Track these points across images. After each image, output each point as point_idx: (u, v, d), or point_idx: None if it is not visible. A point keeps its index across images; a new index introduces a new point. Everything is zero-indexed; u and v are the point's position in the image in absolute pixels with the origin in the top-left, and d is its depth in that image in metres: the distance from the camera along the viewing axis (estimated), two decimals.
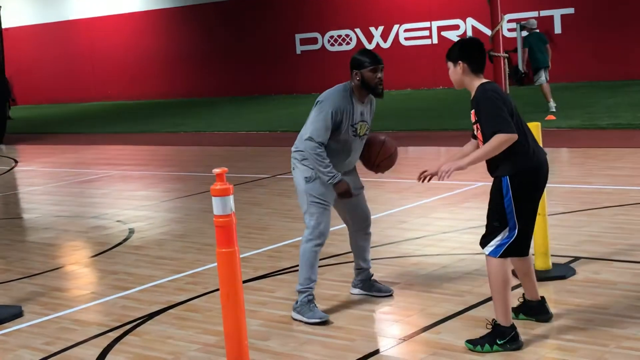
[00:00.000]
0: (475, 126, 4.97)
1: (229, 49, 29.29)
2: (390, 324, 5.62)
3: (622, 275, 6.09)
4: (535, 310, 5.20)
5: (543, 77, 16.71)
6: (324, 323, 5.55)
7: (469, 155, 4.96)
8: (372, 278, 6.16)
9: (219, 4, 29.61)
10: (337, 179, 5.54)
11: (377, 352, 5.05)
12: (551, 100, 16.48)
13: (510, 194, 4.81)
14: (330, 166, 5.53)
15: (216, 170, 4.18)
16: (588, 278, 6.10)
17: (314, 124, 5.62)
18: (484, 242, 4.95)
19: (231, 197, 4.19)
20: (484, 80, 4.96)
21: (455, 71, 4.98)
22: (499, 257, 4.84)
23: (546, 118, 15.10)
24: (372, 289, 6.11)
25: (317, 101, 5.74)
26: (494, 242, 4.87)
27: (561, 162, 11.34)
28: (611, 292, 5.73)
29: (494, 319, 4.85)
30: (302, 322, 5.60)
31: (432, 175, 5.17)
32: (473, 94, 4.94)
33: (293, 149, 5.93)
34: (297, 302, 5.71)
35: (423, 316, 5.59)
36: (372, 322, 5.71)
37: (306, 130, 5.66)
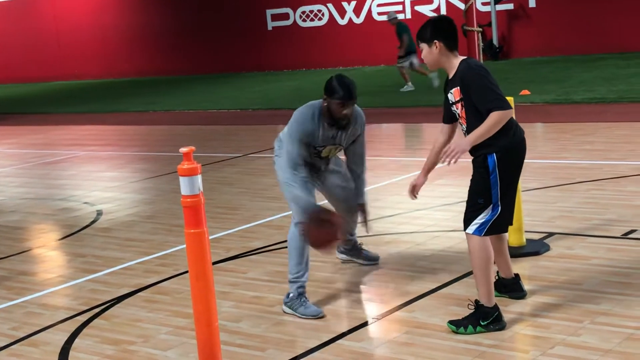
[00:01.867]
0: (456, 105, 4.92)
1: (199, 26, 29.09)
2: (364, 302, 5.66)
3: (596, 251, 6.14)
4: (510, 287, 5.22)
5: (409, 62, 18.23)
6: (319, 318, 5.39)
7: (469, 135, 4.81)
8: (360, 244, 6.23)
9: None
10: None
11: (351, 331, 5.07)
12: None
13: (496, 171, 4.80)
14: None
15: (183, 150, 4.15)
16: (562, 254, 6.15)
17: (287, 154, 5.59)
18: (466, 220, 4.93)
19: (199, 177, 4.16)
20: (463, 57, 4.93)
21: (431, 51, 4.92)
22: (483, 235, 4.85)
23: (520, 93, 15.17)
24: (359, 255, 6.19)
25: (291, 121, 5.66)
26: (477, 221, 4.86)
27: (535, 138, 11.34)
28: (585, 268, 5.78)
29: (476, 299, 4.84)
30: (295, 316, 5.45)
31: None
32: (452, 72, 4.91)
33: (281, 134, 5.84)
34: (287, 295, 5.53)
35: (397, 295, 5.62)
36: (345, 301, 5.71)
37: (285, 147, 5.65)
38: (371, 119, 14.47)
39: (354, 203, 5.96)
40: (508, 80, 17.44)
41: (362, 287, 5.92)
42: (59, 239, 8.27)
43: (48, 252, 7.93)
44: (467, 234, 4.92)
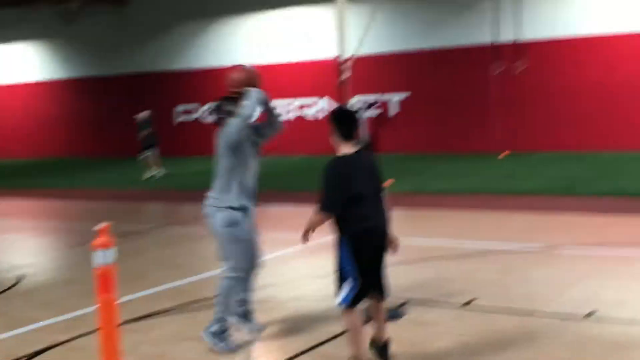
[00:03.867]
0: None
1: (116, 114, 28.79)
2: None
3: (442, 317, 6.26)
4: (378, 351, 5.17)
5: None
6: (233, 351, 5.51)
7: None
8: (250, 312, 6.07)
9: (103, 78, 29.23)
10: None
11: None
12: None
13: (344, 252, 4.84)
14: None
15: (99, 226, 4.12)
16: (414, 319, 6.23)
17: None
18: (335, 292, 4.95)
19: (112, 250, 4.13)
20: (341, 153, 4.92)
21: (331, 136, 4.96)
22: (346, 306, 4.85)
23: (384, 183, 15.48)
24: (246, 320, 6.02)
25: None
26: (341, 293, 4.87)
27: (397, 219, 11.51)
28: (433, 331, 5.89)
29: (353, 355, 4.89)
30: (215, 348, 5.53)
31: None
32: None
33: (213, 193, 5.77)
34: (208, 330, 5.62)
35: (279, 353, 5.60)
36: (231, 357, 5.62)
37: None
38: (267, 199, 14.45)
39: None
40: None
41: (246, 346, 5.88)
42: None
43: None
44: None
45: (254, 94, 5.52)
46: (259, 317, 6.45)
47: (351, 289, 4.84)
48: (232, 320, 6.12)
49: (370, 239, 4.95)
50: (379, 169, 5.10)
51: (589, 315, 6.13)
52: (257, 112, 5.59)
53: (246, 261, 5.69)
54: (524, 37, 21.15)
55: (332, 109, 5.24)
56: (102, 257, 4.10)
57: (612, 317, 6.05)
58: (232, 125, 5.52)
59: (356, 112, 5.13)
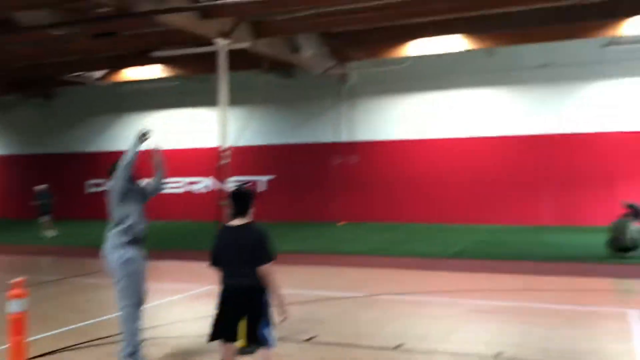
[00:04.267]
0: None
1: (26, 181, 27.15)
2: None
3: (290, 349, 6.16)
4: None
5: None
6: None
7: None
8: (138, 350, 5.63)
9: (32, 155, 27.65)
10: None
11: None
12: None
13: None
14: None
15: (14, 280, 3.82)
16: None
17: None
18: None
19: (24, 300, 3.82)
20: (229, 223, 4.71)
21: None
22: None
23: None
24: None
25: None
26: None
27: None
28: None
29: None
30: None
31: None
32: None
33: (111, 233, 5.45)
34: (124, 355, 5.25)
35: None
36: None
37: None
38: (159, 256, 13.87)
39: None
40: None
41: None
42: None
43: None
44: None
45: (133, 138, 5.39)
46: (148, 355, 6.12)
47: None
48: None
49: (222, 295, 4.77)
50: (253, 242, 4.71)
51: (398, 347, 6.24)
52: (137, 150, 5.37)
53: (137, 293, 5.41)
54: (356, 139, 21.97)
55: (232, 189, 4.86)
56: (16, 306, 3.78)
57: (416, 348, 6.17)
58: (118, 172, 5.36)
59: (248, 191, 4.82)
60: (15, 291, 3.78)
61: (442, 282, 10.12)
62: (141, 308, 5.54)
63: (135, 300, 5.43)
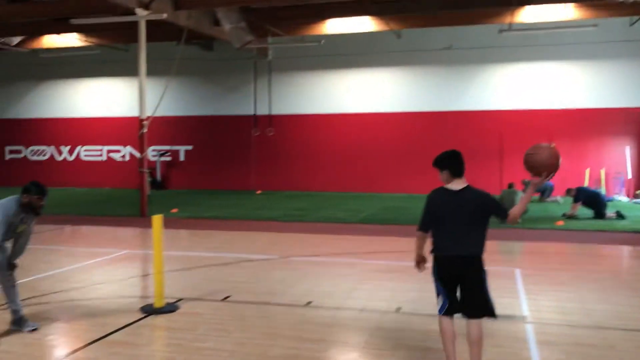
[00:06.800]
0: None
1: None
2: (49, 347, 5.03)
3: (207, 309, 6.14)
4: None
5: None
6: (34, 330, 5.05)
7: None
8: (23, 317, 5.39)
9: None
10: None
11: None
12: None
13: (435, 273, 4.13)
14: None
15: None
16: (187, 312, 6.06)
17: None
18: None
19: None
20: (447, 186, 4.11)
21: (441, 176, 4.12)
22: (440, 314, 4.13)
23: (171, 210, 15.04)
24: (23, 325, 5.34)
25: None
26: (438, 305, 4.15)
27: (179, 238, 11.23)
28: (200, 320, 5.74)
29: None
30: None
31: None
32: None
33: None
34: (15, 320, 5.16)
35: (76, 341, 5.12)
36: (35, 347, 5.03)
37: None
38: (70, 222, 13.31)
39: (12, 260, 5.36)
40: (165, 202, 17.23)
41: (52, 337, 5.27)
42: None
43: None
44: None
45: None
46: (59, 315, 5.90)
47: (441, 302, 4.12)
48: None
49: (440, 264, 4.11)
50: (484, 203, 4.05)
51: (308, 304, 6.33)
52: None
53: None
54: (273, 112, 21.81)
55: (444, 153, 4.13)
56: None
57: (324, 305, 6.28)
58: None
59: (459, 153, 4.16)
60: None
61: (349, 245, 10.32)
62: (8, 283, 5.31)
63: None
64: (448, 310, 4.08)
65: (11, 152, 25.18)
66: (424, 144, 20.32)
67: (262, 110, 21.92)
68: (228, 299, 6.55)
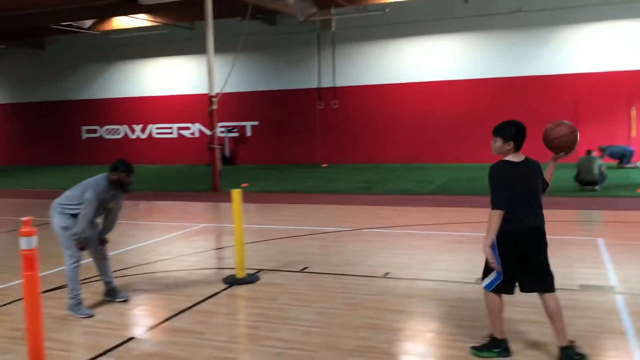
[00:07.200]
0: None
1: (40, 132, 26.75)
2: (141, 317, 5.28)
3: (286, 279, 6.28)
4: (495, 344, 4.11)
5: None
6: (90, 317, 5.14)
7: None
8: (115, 288, 5.66)
9: (24, 104, 26.99)
10: (80, 239, 5.20)
11: (132, 338, 4.69)
12: None
13: (496, 247, 3.91)
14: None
15: (24, 218, 3.75)
16: (267, 282, 6.20)
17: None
18: (482, 276, 4.08)
19: (35, 237, 3.77)
20: (513, 160, 3.96)
21: (503, 146, 3.95)
22: (490, 290, 4.03)
23: (242, 185, 15.36)
24: (115, 295, 5.63)
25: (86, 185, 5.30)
26: (486, 279, 4.05)
27: (251, 211, 11.46)
28: (282, 290, 5.88)
29: (491, 333, 4.11)
30: (76, 316, 5.16)
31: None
32: None
33: (60, 201, 5.34)
34: (69, 305, 5.25)
35: (164, 311, 5.35)
36: (129, 316, 5.31)
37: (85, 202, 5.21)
38: (149, 198, 13.79)
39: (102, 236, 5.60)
40: (235, 177, 17.59)
41: (141, 307, 5.53)
42: None
43: None
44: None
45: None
46: (148, 286, 6.17)
47: (495, 278, 3.98)
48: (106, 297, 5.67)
49: (516, 238, 3.91)
50: (540, 175, 4.05)
51: (386, 275, 6.34)
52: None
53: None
54: (338, 84, 21.70)
55: (510, 123, 3.97)
56: (27, 243, 3.73)
57: (400, 277, 6.28)
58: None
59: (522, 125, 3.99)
60: (25, 229, 3.71)
61: (420, 217, 10.24)
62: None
63: (76, 261, 5.36)
64: (499, 287, 3.97)
65: (87, 131, 26.33)
66: (493, 112, 19.74)
67: (326, 83, 21.85)
68: (306, 270, 6.65)
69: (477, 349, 4.10)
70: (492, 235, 3.87)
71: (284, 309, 5.24)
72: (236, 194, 6.19)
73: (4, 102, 27.82)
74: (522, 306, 4.94)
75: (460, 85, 20.46)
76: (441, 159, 20.65)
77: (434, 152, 20.83)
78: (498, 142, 3.97)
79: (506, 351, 4.04)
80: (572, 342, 3.94)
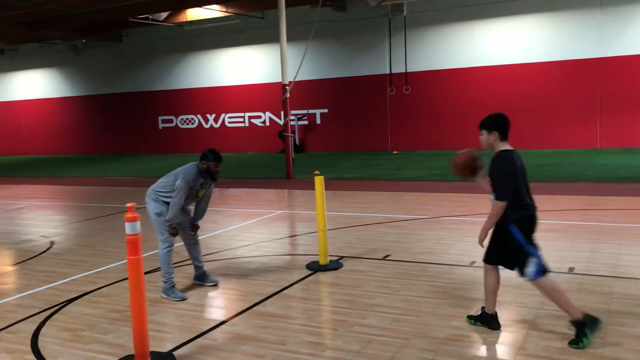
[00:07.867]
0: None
1: (115, 123, 27.94)
2: (232, 301, 5.42)
3: (369, 267, 6.27)
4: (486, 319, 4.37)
5: None
6: (183, 300, 5.31)
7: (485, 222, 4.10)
8: (205, 272, 5.85)
9: (103, 95, 28.19)
10: (172, 224, 5.39)
11: (223, 322, 4.81)
12: None
13: (520, 234, 4.03)
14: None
15: (128, 204, 3.92)
16: (350, 269, 6.22)
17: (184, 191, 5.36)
18: (521, 272, 4.10)
19: (138, 222, 3.93)
20: (503, 148, 4.10)
21: (489, 137, 4.10)
22: (539, 279, 4.07)
23: (314, 173, 15.42)
24: (205, 280, 5.82)
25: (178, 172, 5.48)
26: (528, 271, 4.06)
27: (326, 199, 11.46)
28: (364, 278, 5.89)
29: (574, 318, 4.04)
30: (169, 299, 5.34)
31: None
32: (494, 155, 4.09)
33: (154, 188, 5.55)
34: (163, 288, 5.45)
35: (253, 295, 5.48)
36: (220, 300, 5.47)
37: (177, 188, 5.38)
38: (226, 186, 14.12)
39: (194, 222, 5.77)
40: (306, 165, 17.72)
41: (231, 290, 5.67)
42: (23, 261, 7.46)
43: (16, 269, 7.14)
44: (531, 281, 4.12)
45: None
46: (234, 271, 6.31)
47: (535, 263, 4.05)
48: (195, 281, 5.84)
49: (534, 222, 4.12)
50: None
51: (472, 263, 6.22)
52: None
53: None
54: (409, 69, 21.38)
55: (492, 115, 4.10)
56: (131, 228, 3.90)
57: None
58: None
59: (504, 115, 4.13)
60: (130, 215, 3.88)
61: None
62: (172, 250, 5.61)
63: (169, 246, 5.55)
64: (542, 270, 4.04)
65: (163, 121, 27.20)
66: (577, 96, 18.92)
67: (398, 69, 21.56)
68: (388, 257, 6.62)
69: (573, 342, 4.01)
70: (491, 225, 4.07)
71: (370, 296, 5.24)
72: (319, 180, 6.24)
73: (85, 94, 29.14)
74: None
75: (538, 68, 19.70)
76: (521, 144, 19.97)
77: (512, 137, 20.12)
78: (484, 135, 4.11)
79: (592, 329, 3.99)
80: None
